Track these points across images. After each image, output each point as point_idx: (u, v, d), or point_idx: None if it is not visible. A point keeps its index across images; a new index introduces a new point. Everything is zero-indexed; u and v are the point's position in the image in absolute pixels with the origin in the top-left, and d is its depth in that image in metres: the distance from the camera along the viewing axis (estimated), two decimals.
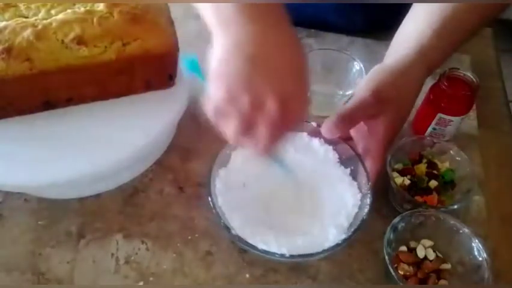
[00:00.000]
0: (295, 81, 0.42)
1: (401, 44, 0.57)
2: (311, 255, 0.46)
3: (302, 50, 0.43)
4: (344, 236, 0.48)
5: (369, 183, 0.50)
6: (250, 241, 0.47)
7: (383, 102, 0.51)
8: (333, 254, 0.52)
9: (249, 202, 0.52)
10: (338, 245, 0.47)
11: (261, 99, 0.39)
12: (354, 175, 0.54)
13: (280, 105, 0.39)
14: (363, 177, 0.51)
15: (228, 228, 0.47)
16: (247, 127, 0.41)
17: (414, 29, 0.56)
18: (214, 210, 0.48)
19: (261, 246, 0.46)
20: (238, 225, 0.49)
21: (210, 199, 0.49)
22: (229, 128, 0.42)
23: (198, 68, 0.45)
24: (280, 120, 0.40)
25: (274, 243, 0.47)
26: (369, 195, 0.49)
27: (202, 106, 0.42)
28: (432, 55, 0.55)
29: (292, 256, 0.46)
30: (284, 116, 0.40)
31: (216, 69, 0.41)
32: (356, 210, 0.51)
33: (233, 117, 0.41)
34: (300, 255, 0.46)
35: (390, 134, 0.52)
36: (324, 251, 0.46)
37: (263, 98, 0.39)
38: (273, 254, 0.46)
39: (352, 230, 0.48)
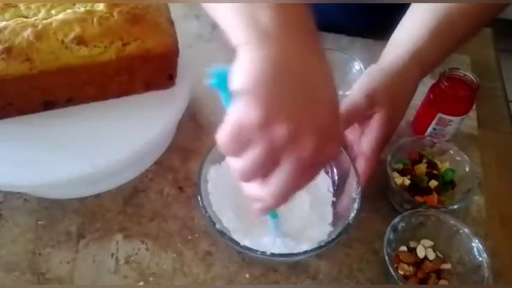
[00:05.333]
0: (333, 112, 0.35)
1: (395, 45, 0.57)
2: (292, 255, 0.47)
3: (332, 75, 0.36)
4: (325, 238, 0.48)
5: (359, 188, 0.49)
6: (236, 238, 0.47)
7: (376, 104, 0.51)
8: (332, 254, 0.53)
9: (239, 201, 0.52)
10: (321, 246, 0.46)
11: (298, 133, 0.33)
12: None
13: (317, 144, 0.33)
14: (353, 182, 0.51)
15: (214, 225, 0.47)
16: (272, 162, 0.34)
17: (409, 30, 0.56)
18: (203, 210, 0.48)
19: (244, 242, 0.46)
20: (228, 221, 0.50)
21: (199, 198, 0.49)
22: (246, 158, 0.34)
23: (225, 84, 0.35)
24: (309, 162, 0.34)
25: (259, 242, 0.48)
26: (357, 200, 0.48)
27: (217, 128, 0.35)
28: (427, 56, 0.55)
29: (272, 254, 0.46)
30: (317, 155, 0.34)
31: (248, 84, 0.33)
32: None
33: (259, 146, 0.33)
34: (280, 254, 0.46)
35: (384, 135, 0.52)
36: (304, 252, 0.46)
37: (301, 132, 0.33)
38: (255, 251, 0.46)
39: (337, 232, 0.48)
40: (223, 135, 0.34)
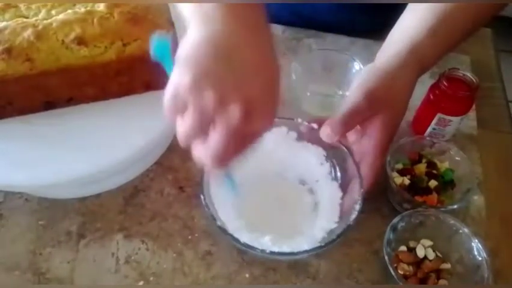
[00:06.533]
0: (265, 89, 0.39)
1: (393, 43, 0.56)
2: (294, 253, 0.47)
3: (277, 59, 0.40)
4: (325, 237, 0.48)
5: (361, 189, 0.49)
6: (236, 234, 0.47)
7: (376, 104, 0.51)
8: (332, 254, 0.53)
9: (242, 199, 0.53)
10: (321, 246, 0.47)
11: (225, 99, 0.37)
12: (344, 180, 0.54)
13: (244, 112, 0.37)
14: (356, 183, 0.51)
15: (214, 219, 0.48)
16: (204, 125, 0.38)
17: (406, 28, 0.56)
18: (205, 208, 0.48)
19: (244, 239, 0.47)
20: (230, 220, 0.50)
21: (202, 196, 0.49)
22: (183, 122, 0.38)
23: (167, 53, 0.41)
24: (239, 129, 0.37)
25: (261, 241, 0.48)
26: (359, 202, 0.48)
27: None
28: (425, 54, 0.54)
29: (272, 252, 0.46)
30: (245, 124, 0.37)
31: (186, 54, 0.38)
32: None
33: (191, 109, 0.37)
34: (280, 253, 0.47)
35: (386, 137, 0.52)
36: (307, 250, 0.47)
37: (228, 99, 0.37)
38: (256, 249, 0.46)
39: (337, 232, 0.48)
40: (164, 98, 0.39)
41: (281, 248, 0.48)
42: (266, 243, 0.48)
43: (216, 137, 0.38)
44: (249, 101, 0.37)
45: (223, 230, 0.47)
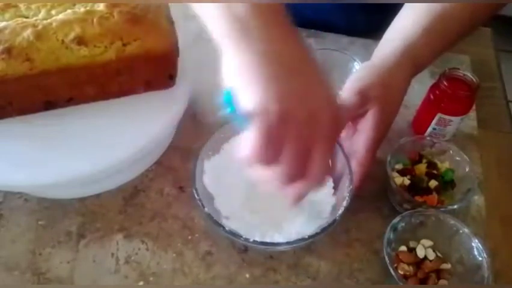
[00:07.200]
0: (329, 88, 0.40)
1: (388, 42, 0.56)
2: (277, 244, 0.48)
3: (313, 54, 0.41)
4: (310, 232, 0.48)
5: (350, 187, 0.49)
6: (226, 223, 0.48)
7: (369, 101, 0.51)
8: (332, 254, 0.53)
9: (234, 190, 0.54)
10: (304, 239, 0.47)
11: (313, 112, 0.36)
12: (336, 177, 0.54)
13: (331, 115, 0.37)
14: (346, 180, 0.51)
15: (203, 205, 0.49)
16: (305, 148, 0.36)
17: (402, 27, 0.56)
18: (194, 192, 0.49)
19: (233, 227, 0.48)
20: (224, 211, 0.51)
21: (194, 190, 0.50)
22: (285, 158, 0.36)
23: (231, 101, 0.37)
24: (332, 133, 0.38)
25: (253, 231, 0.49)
26: (347, 198, 0.49)
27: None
28: (419, 53, 0.54)
29: (255, 242, 0.47)
30: (335, 126, 0.38)
31: (258, 91, 0.35)
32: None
33: (289, 139, 0.35)
34: (263, 243, 0.47)
35: (378, 134, 0.52)
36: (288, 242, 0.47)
37: (318, 112, 0.37)
38: (240, 237, 0.47)
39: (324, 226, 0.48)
40: (253, 145, 0.35)
41: (264, 239, 0.48)
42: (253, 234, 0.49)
43: (317, 155, 0.37)
44: (327, 103, 0.38)
45: (210, 217, 0.47)
